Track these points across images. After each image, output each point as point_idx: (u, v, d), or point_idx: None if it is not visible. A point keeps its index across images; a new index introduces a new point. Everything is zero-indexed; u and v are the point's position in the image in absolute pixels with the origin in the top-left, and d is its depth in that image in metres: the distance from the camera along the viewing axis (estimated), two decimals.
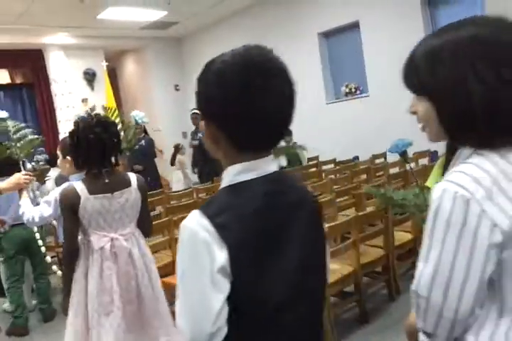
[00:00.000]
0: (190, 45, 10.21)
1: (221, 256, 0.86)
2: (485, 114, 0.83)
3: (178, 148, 7.46)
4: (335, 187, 4.46)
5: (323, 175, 5.52)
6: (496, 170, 0.83)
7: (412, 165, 5.44)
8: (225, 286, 0.87)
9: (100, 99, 9.15)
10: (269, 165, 0.97)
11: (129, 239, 2.12)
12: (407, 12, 6.44)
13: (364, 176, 5.07)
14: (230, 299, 0.88)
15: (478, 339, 0.85)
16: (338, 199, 3.80)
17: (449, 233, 0.82)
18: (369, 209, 3.65)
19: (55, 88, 9.25)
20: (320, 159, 7.06)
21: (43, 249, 3.41)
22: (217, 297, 0.87)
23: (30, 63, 9.24)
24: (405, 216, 3.38)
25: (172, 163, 7.55)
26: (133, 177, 2.18)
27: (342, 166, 5.85)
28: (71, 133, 2.03)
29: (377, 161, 6.13)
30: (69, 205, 1.99)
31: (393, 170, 5.18)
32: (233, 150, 0.94)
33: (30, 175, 2.50)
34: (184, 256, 0.90)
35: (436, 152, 5.50)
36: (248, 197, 0.93)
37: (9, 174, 3.55)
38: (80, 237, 2.10)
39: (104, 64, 9.12)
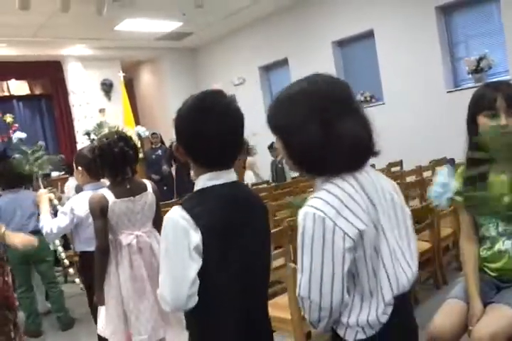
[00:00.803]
0: (204, 55, 10.32)
1: (196, 237, 1.19)
2: (318, 155, 1.10)
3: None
4: None
5: None
6: (341, 192, 1.11)
7: (429, 173, 5.40)
8: (198, 260, 1.20)
9: (117, 109, 9.27)
10: (230, 175, 1.32)
11: (149, 235, 2.40)
12: (421, 21, 6.43)
13: None
14: (199, 273, 1.20)
15: (349, 320, 1.14)
16: None
17: (315, 245, 1.08)
18: None
19: (73, 99, 9.41)
20: None
21: (63, 255, 3.43)
22: (193, 266, 1.19)
23: (49, 74, 9.42)
24: (424, 224, 3.35)
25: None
26: (148, 183, 2.49)
27: None
28: (98, 148, 2.29)
29: (394, 169, 6.09)
30: (99, 208, 2.25)
31: (410, 179, 5.14)
32: (200, 167, 1.31)
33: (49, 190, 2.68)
34: (168, 238, 1.22)
35: (452, 159, 5.45)
36: (215, 197, 1.28)
37: (18, 186, 3.68)
38: (109, 236, 2.35)
39: (121, 74, 9.26)
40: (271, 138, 1.24)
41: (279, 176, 6.77)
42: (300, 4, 7.92)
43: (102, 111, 9.54)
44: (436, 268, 3.42)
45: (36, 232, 3.62)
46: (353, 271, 1.11)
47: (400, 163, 6.35)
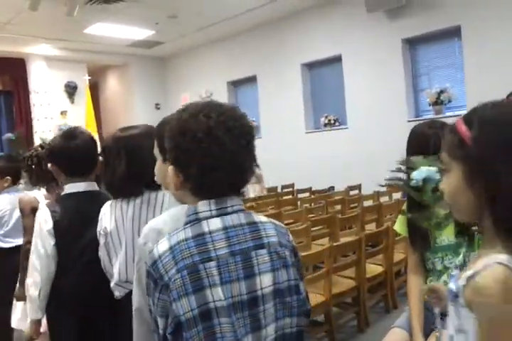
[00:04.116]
0: (174, 65, 10.28)
1: (50, 223, 1.83)
2: None
3: None
4: (310, 216, 4.47)
5: (299, 203, 5.54)
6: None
7: (386, 198, 5.53)
8: (51, 240, 1.81)
9: (79, 113, 9.07)
10: (89, 185, 1.93)
11: None
12: (388, 51, 6.66)
13: (339, 207, 5.11)
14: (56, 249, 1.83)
15: (111, 282, 1.70)
16: (312, 229, 3.80)
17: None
18: (343, 239, 3.67)
19: (34, 98, 9.13)
20: (296, 187, 7.10)
21: None
22: (48, 242, 1.82)
23: (11, 71, 9.12)
24: (378, 248, 3.41)
25: None
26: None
27: (317, 195, 5.88)
28: (35, 156, 2.40)
29: (352, 193, 6.20)
30: (30, 207, 2.46)
31: (367, 203, 5.24)
32: (64, 177, 1.94)
33: None
34: (36, 224, 1.87)
35: None
36: (70, 200, 1.90)
37: None
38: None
39: (87, 78, 9.07)
40: None
41: None
42: (273, 24, 8.05)
43: (63, 113, 9.30)
44: (388, 292, 3.48)
45: None
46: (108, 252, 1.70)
47: (359, 187, 6.48)
